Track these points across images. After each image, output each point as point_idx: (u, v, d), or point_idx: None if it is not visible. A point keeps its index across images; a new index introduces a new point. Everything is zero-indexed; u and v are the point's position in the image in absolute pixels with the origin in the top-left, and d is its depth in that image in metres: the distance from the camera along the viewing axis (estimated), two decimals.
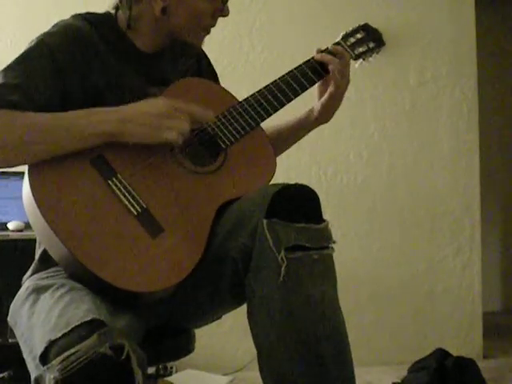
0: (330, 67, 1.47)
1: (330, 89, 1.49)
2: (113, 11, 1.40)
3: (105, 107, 1.26)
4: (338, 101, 1.52)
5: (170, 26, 1.37)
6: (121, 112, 1.24)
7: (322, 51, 1.50)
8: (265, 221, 1.15)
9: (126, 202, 1.22)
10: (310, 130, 1.57)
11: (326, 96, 1.50)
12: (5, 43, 2.88)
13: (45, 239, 1.22)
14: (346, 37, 1.56)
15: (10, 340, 2.17)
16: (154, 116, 1.24)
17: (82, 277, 1.17)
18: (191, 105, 1.28)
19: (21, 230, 2.44)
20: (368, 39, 1.59)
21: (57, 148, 1.20)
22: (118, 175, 1.24)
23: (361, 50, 1.58)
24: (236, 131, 1.37)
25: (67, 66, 1.28)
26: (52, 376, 1.00)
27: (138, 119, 1.23)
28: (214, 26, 1.42)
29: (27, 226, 2.42)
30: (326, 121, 1.55)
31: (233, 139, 1.37)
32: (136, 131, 1.23)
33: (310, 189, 1.20)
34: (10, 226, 2.45)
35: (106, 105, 1.29)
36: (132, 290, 1.15)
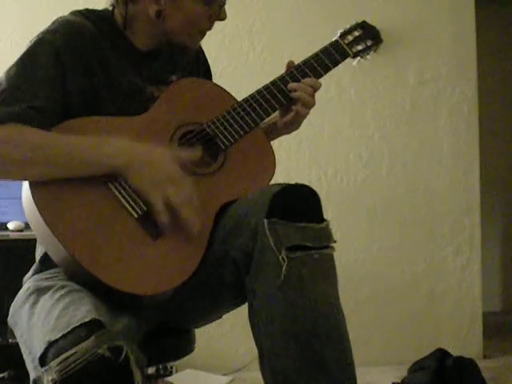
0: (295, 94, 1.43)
1: (293, 113, 1.45)
2: (110, 8, 1.40)
3: (114, 136, 1.23)
4: (301, 121, 1.49)
5: (165, 29, 1.36)
6: (132, 150, 1.22)
7: (295, 67, 1.47)
8: (265, 220, 1.15)
9: (127, 205, 1.22)
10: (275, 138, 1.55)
11: (290, 115, 1.46)
12: (5, 43, 2.88)
13: (44, 241, 1.22)
14: (343, 35, 1.56)
15: (10, 340, 2.16)
16: (161, 176, 1.21)
17: (82, 279, 1.17)
18: (195, 199, 1.24)
19: (21, 230, 2.43)
20: (366, 37, 1.59)
21: (60, 173, 1.19)
22: (119, 177, 1.23)
23: (359, 47, 1.57)
24: (235, 132, 1.37)
25: (69, 62, 1.27)
26: (50, 378, 1.00)
27: (144, 168, 1.21)
28: (210, 29, 1.41)
29: (27, 226, 2.42)
30: (287, 133, 1.53)
31: (232, 140, 1.37)
32: (136, 177, 1.21)
33: (311, 189, 1.20)
34: (10, 226, 2.45)
35: (103, 103, 1.29)
36: (133, 293, 1.15)
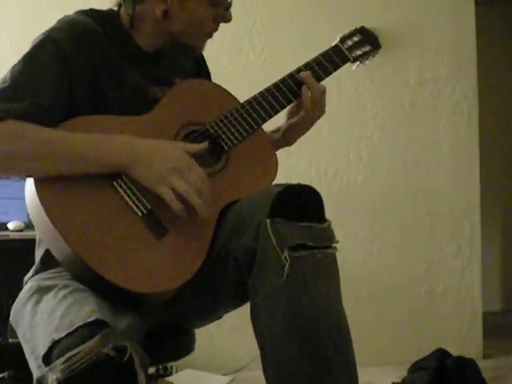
0: (304, 90, 1.43)
1: (302, 113, 1.46)
2: (115, 8, 1.39)
3: (117, 134, 1.23)
4: (307, 127, 1.49)
5: (171, 29, 1.36)
6: (135, 146, 1.22)
7: (296, 70, 1.46)
8: (268, 220, 1.15)
9: (131, 203, 1.22)
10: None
11: (295, 118, 1.47)
12: (5, 43, 2.88)
13: (48, 239, 1.22)
14: (343, 40, 1.56)
15: (10, 340, 2.16)
16: (166, 168, 1.20)
17: (86, 277, 1.17)
18: (206, 181, 1.23)
19: (21, 230, 2.44)
20: (365, 42, 1.59)
21: (60, 169, 1.19)
22: (123, 176, 1.23)
23: (358, 52, 1.58)
24: (238, 133, 1.37)
25: (74, 61, 1.27)
26: (54, 376, 1.00)
27: (149, 162, 1.21)
28: (216, 30, 1.42)
29: (27, 226, 2.42)
30: (288, 144, 1.53)
31: (235, 141, 1.37)
32: (141, 172, 1.21)
33: (313, 189, 1.20)
34: (10, 226, 2.45)
35: (107, 102, 1.29)
36: (136, 292, 1.15)
